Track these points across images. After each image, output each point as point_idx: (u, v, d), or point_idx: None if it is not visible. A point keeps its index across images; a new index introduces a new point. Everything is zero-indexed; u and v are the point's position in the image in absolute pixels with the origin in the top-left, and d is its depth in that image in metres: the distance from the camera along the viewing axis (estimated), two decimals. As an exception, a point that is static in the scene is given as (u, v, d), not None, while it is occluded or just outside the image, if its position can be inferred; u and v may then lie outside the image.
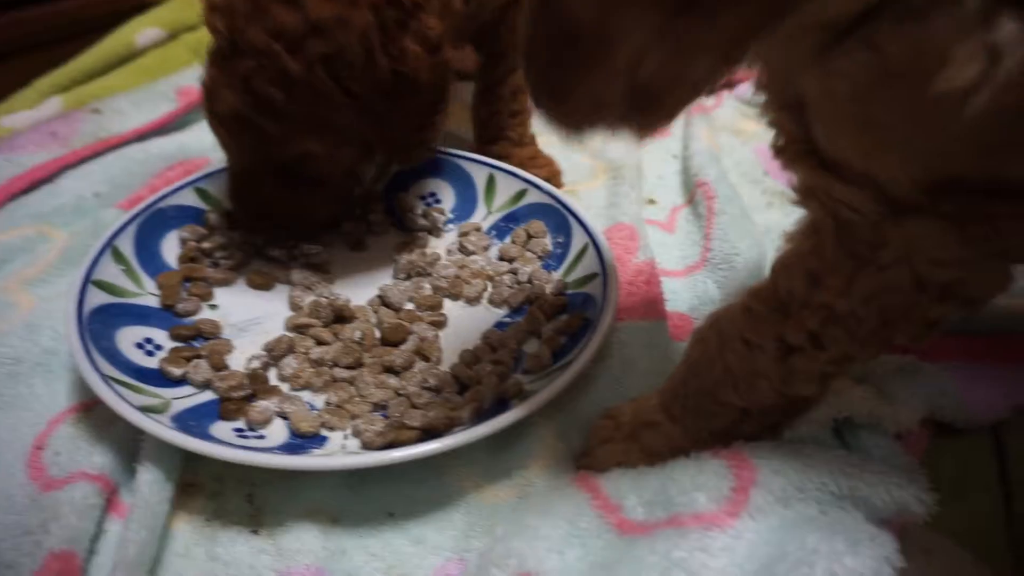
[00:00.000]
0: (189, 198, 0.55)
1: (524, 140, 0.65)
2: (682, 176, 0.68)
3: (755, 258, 0.53)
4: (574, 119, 0.28)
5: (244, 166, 0.49)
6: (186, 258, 0.52)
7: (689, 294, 0.54)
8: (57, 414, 0.42)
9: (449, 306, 0.51)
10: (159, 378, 0.43)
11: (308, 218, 0.53)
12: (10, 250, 0.54)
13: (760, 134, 0.78)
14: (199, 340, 0.47)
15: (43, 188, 0.59)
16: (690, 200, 0.63)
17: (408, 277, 0.53)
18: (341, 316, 0.49)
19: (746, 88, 0.85)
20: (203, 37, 0.82)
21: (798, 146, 0.30)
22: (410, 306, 0.51)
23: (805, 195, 0.31)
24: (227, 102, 0.44)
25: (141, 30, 0.77)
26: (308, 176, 0.49)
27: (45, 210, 0.57)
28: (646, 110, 0.26)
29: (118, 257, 0.49)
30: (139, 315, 0.47)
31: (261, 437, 0.40)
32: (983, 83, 0.21)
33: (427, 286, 0.52)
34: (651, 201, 0.65)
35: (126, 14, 0.77)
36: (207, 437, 0.38)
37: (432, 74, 0.46)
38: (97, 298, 0.45)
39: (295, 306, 0.50)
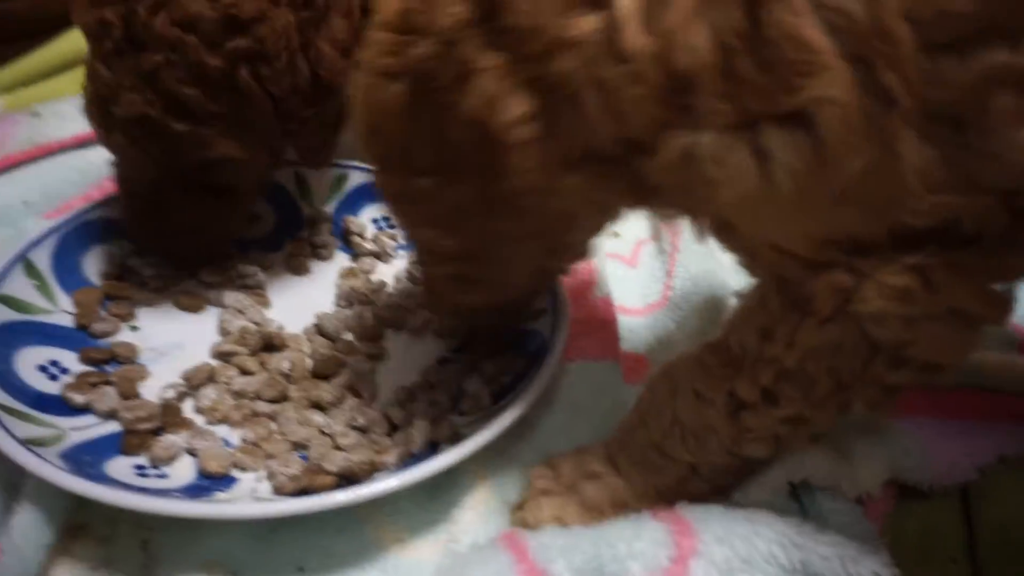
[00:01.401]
0: (120, 211, 0.51)
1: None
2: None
3: (717, 298, 0.50)
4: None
5: (146, 181, 0.44)
6: (111, 275, 0.48)
7: (648, 334, 0.51)
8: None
9: (391, 337, 0.48)
10: (59, 405, 0.39)
11: (218, 234, 0.49)
12: (-78, 258, 0.50)
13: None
14: (112, 364, 0.43)
15: (-34, 194, 0.56)
16: (656, 235, 0.61)
17: (349, 305, 0.49)
18: (271, 344, 0.45)
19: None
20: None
21: None
22: (349, 336, 0.47)
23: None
24: (131, 104, 0.39)
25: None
26: (218, 186, 0.45)
27: (-34, 217, 0.54)
28: None
29: (31, 271, 0.45)
30: (47, 335, 0.43)
31: (163, 476, 0.36)
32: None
33: (368, 315, 0.48)
34: (615, 234, 0.62)
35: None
36: (101, 476, 0.34)
37: (344, 77, 0.43)
38: (1, 315, 0.41)
39: (224, 331, 0.46)
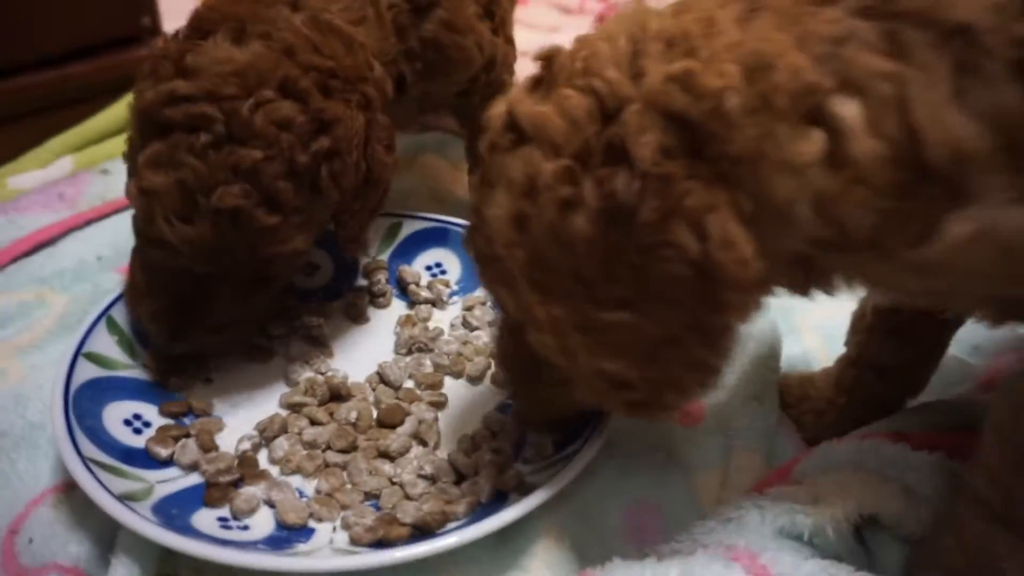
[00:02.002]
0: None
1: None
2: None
3: (768, 340, 0.51)
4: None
5: (195, 274, 0.43)
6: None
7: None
8: (37, 495, 0.40)
9: (450, 384, 0.49)
10: (145, 458, 0.41)
11: (252, 320, 0.49)
12: (7, 315, 0.53)
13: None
14: (190, 417, 0.45)
15: (45, 251, 0.58)
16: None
17: (409, 352, 0.51)
18: (337, 394, 0.47)
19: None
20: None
21: None
22: (410, 384, 0.49)
23: None
24: (227, 196, 0.39)
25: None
26: (266, 277, 0.46)
27: (45, 274, 0.56)
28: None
29: (112, 327, 0.47)
30: (130, 389, 0.45)
31: (245, 528, 0.38)
32: None
33: (428, 363, 0.50)
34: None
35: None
36: (187, 528, 0.36)
37: (389, 172, 0.47)
38: (87, 371, 0.44)
39: (291, 381, 0.48)
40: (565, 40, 0.32)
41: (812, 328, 0.58)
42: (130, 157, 0.44)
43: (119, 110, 0.75)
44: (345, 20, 0.47)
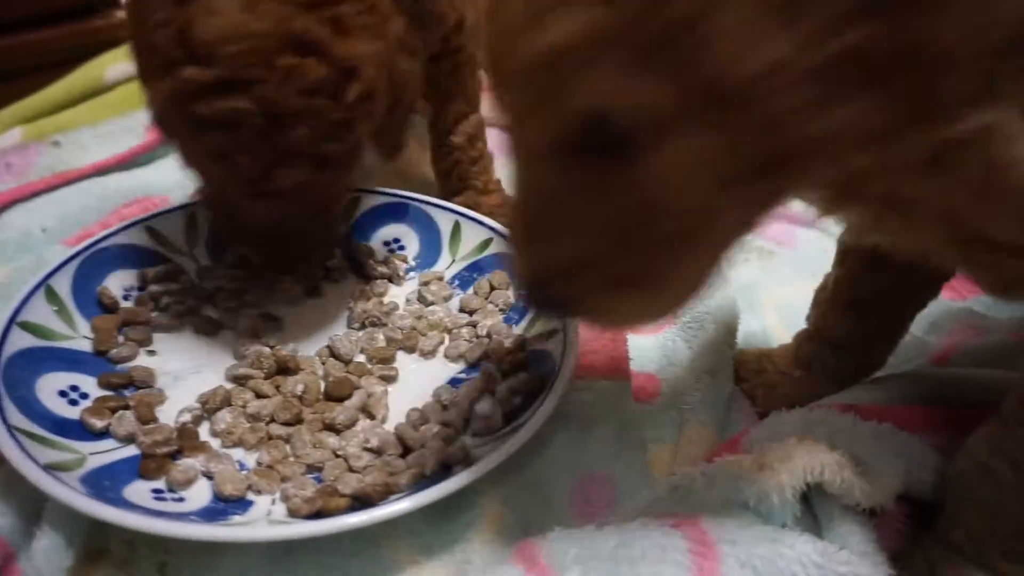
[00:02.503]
0: (139, 237, 0.52)
1: (489, 187, 0.63)
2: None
3: (726, 317, 0.51)
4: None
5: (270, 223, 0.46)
6: (136, 301, 0.49)
7: (657, 353, 0.51)
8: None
9: (403, 359, 0.48)
10: (79, 430, 0.40)
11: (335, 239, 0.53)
12: (-55, 286, 0.51)
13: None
14: (131, 389, 0.44)
15: (-12, 222, 0.57)
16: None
17: (362, 327, 0.50)
18: (285, 367, 0.46)
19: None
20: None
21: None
22: (361, 358, 0.48)
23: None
24: (286, 177, 0.40)
25: (112, 65, 0.75)
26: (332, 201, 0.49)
27: (-13, 245, 0.55)
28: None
29: (52, 297, 0.46)
30: (68, 360, 0.44)
31: (180, 500, 0.37)
32: None
33: (381, 337, 0.49)
34: (624, 253, 0.63)
35: (97, 49, 0.75)
36: (119, 500, 0.35)
37: (417, 77, 0.46)
38: (21, 341, 0.42)
39: (238, 354, 0.47)
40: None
41: (773, 306, 0.57)
42: (168, 130, 0.42)
43: (73, 81, 0.73)
44: None
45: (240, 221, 0.46)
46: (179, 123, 0.40)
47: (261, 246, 0.48)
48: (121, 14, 0.80)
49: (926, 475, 0.38)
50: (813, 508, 0.35)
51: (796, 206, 0.78)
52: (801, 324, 0.55)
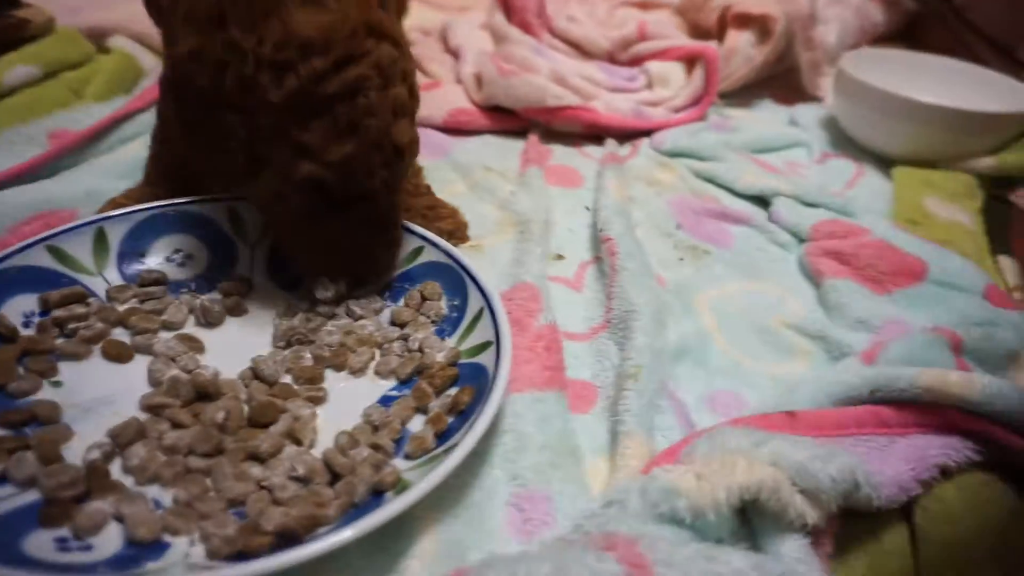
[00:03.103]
0: (40, 258, 0.49)
1: (420, 190, 0.62)
2: (591, 230, 0.65)
3: (653, 316, 0.50)
4: None
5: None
6: (38, 328, 0.46)
7: (592, 359, 0.51)
8: None
9: (331, 378, 0.46)
10: (-28, 476, 0.37)
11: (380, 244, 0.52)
12: None
13: (675, 185, 0.76)
14: (33, 426, 0.41)
15: None
16: (598, 257, 0.61)
17: (288, 345, 0.48)
18: (205, 393, 0.43)
19: (662, 138, 0.85)
20: (86, 75, 0.77)
21: None
22: (287, 379, 0.46)
23: None
24: (404, 131, 0.46)
25: (11, 68, 0.70)
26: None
27: None
28: None
29: (-60, 330, 0.42)
30: (-40, 399, 0.40)
31: (88, 548, 0.34)
32: None
33: (307, 356, 0.47)
34: (559, 256, 0.62)
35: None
36: (18, 556, 0.32)
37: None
38: (-94, 381, 0.39)
39: (154, 381, 0.44)
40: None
41: (708, 306, 0.57)
42: (267, 148, 0.45)
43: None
44: None
45: (314, 224, 0.48)
46: (305, 111, 0.43)
47: (329, 252, 0.49)
48: (19, 13, 0.75)
49: (866, 492, 0.38)
50: (751, 523, 0.35)
51: (729, 202, 0.80)
52: (740, 325, 0.56)
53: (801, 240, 0.67)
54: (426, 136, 0.80)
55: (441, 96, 0.85)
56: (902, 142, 0.84)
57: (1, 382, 0.42)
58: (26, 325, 0.46)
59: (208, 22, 0.44)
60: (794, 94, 1.11)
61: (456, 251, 0.52)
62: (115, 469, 0.39)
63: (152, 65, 0.81)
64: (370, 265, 0.51)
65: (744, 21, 1.04)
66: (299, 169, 0.44)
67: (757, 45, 1.03)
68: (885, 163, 0.86)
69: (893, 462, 0.40)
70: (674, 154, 0.83)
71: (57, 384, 0.44)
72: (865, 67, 0.89)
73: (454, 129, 0.83)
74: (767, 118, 1.00)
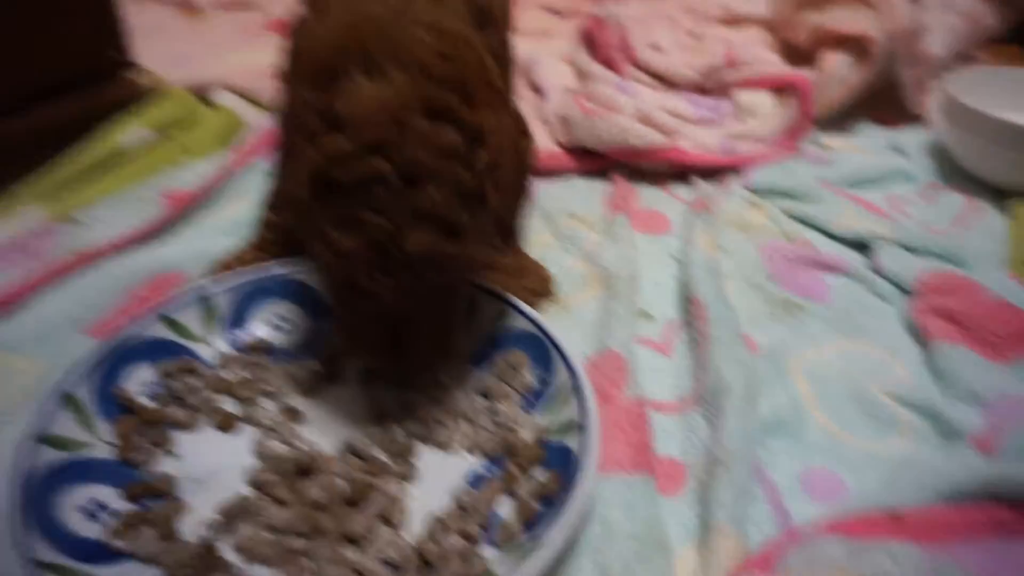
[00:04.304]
0: (155, 329, 0.52)
1: (510, 247, 0.62)
2: (679, 283, 0.64)
3: (744, 392, 0.49)
4: None
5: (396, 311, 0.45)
6: (154, 397, 0.49)
7: (681, 433, 0.50)
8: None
9: (422, 451, 0.48)
10: (100, 552, 0.40)
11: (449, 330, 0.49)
12: (-30, 386, 0.52)
13: (767, 228, 0.74)
14: (152, 498, 0.44)
15: (10, 311, 0.57)
16: (686, 318, 0.59)
17: (380, 419, 0.50)
18: (305, 469, 0.45)
19: (752, 174, 0.82)
20: (194, 132, 0.82)
21: None
22: (380, 455, 0.47)
23: None
24: (419, 241, 0.40)
25: (127, 130, 0.76)
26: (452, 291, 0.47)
27: (12, 339, 0.55)
28: None
29: (70, 403, 0.46)
30: (87, 470, 0.44)
31: (201, 629, 0.37)
32: None
33: (398, 429, 0.48)
34: (646, 315, 0.61)
35: (110, 115, 0.76)
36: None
37: (533, 157, 0.48)
38: (43, 456, 0.42)
39: (258, 454, 0.47)
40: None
41: (803, 371, 0.55)
42: (300, 215, 0.44)
43: (91, 153, 0.73)
44: (457, 25, 0.46)
45: (359, 303, 0.45)
46: (322, 192, 0.41)
47: (377, 334, 0.47)
48: (132, 76, 0.80)
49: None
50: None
51: (825, 247, 0.77)
52: (838, 393, 0.54)
53: (905, 291, 0.64)
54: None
55: (526, 138, 0.86)
56: (1019, 173, 0.79)
57: (123, 454, 0.46)
58: (144, 395, 0.50)
59: (299, 75, 0.44)
60: (897, 114, 1.05)
61: (541, 319, 0.52)
62: (225, 546, 0.42)
63: (254, 119, 0.86)
64: (399, 357, 0.47)
65: (838, 41, 0.99)
66: (315, 247, 0.43)
67: (854, 66, 0.98)
68: (1000, 196, 0.80)
69: (1011, 571, 0.37)
70: (765, 192, 0.80)
71: (171, 454, 0.47)
72: (973, 89, 0.83)
73: (538, 172, 0.83)
74: (867, 145, 0.95)
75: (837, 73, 0.98)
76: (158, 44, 1.14)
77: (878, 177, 0.84)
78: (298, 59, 0.44)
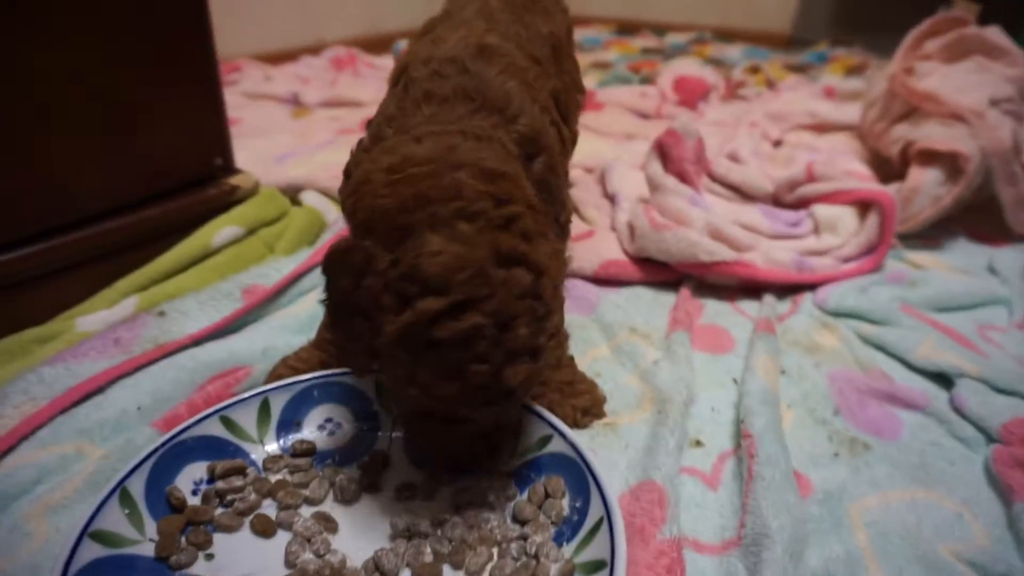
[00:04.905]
0: (214, 427, 0.55)
1: (561, 361, 0.62)
2: (736, 411, 0.62)
3: (788, 544, 0.46)
4: None
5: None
6: (202, 496, 0.52)
7: (720, 581, 0.47)
8: None
9: (447, 573, 0.47)
10: (127, 653, 0.41)
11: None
12: (46, 470, 0.55)
13: (838, 353, 0.71)
14: (184, 601, 0.45)
15: (93, 399, 0.61)
16: (736, 450, 0.57)
17: (410, 536, 0.49)
18: (330, 584, 0.46)
19: (827, 293, 0.79)
20: (279, 231, 0.88)
21: None
22: (406, 573, 0.47)
23: None
24: (519, 374, 0.44)
25: (220, 230, 0.82)
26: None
27: (88, 425, 0.59)
28: None
29: (125, 499, 0.49)
30: (129, 569, 0.46)
31: None
32: None
33: (428, 551, 0.48)
34: (697, 443, 0.59)
35: (208, 216, 0.83)
36: None
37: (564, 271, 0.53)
38: (89, 553, 0.45)
39: (289, 564, 0.48)
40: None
41: (864, 520, 0.51)
42: (389, 362, 0.46)
43: (185, 249, 0.80)
44: (499, 162, 0.50)
45: (445, 435, 0.49)
46: (417, 347, 0.43)
47: (460, 450, 0.51)
48: (231, 180, 0.87)
49: None
50: None
51: (902, 378, 0.73)
52: (901, 550, 0.49)
53: (990, 438, 0.59)
54: (576, 288, 0.81)
55: (593, 246, 0.87)
56: None
57: (164, 554, 0.47)
58: (194, 493, 0.52)
59: (361, 227, 0.47)
60: (996, 230, 1.00)
61: (583, 446, 0.51)
62: (242, 660, 0.42)
63: (334, 218, 0.91)
64: (468, 463, 0.51)
65: (930, 158, 0.96)
66: (406, 392, 0.45)
67: (946, 183, 0.95)
68: (1107, 332, 0.73)
69: None
70: (840, 314, 0.77)
71: (210, 557, 0.48)
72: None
73: (604, 280, 0.83)
74: (960, 263, 0.90)
75: (927, 189, 0.94)
76: (263, 142, 1.25)
77: (967, 301, 0.79)
78: (358, 203, 0.47)
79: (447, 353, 0.42)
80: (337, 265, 0.47)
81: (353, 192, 0.49)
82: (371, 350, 0.47)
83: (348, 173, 0.57)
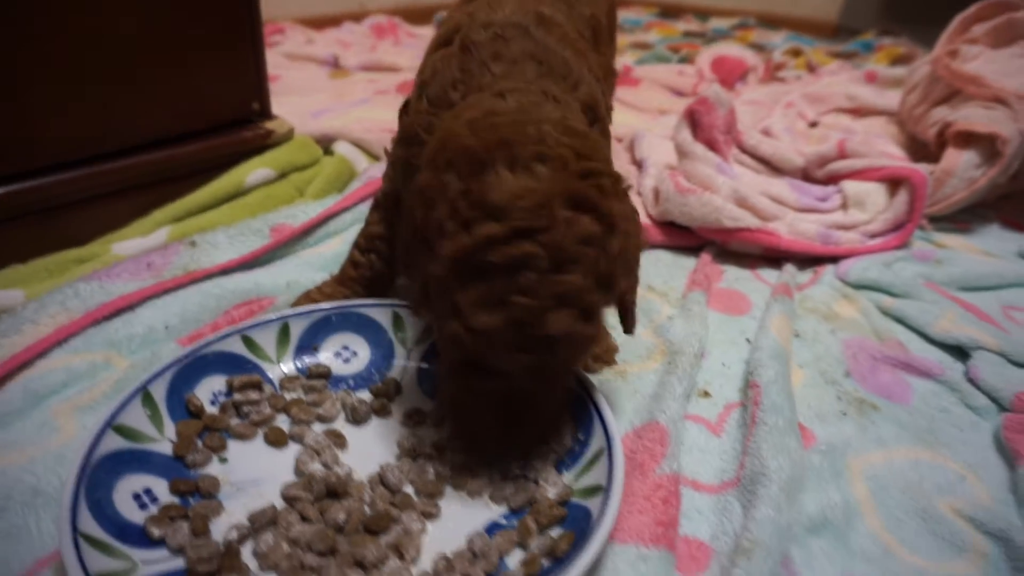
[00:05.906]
0: (235, 345, 0.57)
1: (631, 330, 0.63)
2: (746, 367, 0.62)
3: (784, 484, 0.46)
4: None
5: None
6: (219, 406, 0.54)
7: (715, 516, 0.48)
8: (46, 555, 0.44)
9: (449, 495, 0.48)
10: (139, 536, 0.43)
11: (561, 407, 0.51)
12: (77, 375, 0.58)
13: (855, 322, 0.70)
14: (195, 496, 0.47)
15: (123, 316, 0.64)
16: (743, 401, 0.57)
17: (416, 456, 0.51)
18: (334, 491, 0.47)
19: (849, 266, 0.79)
20: (310, 176, 0.90)
21: None
22: (409, 489, 0.49)
23: None
24: (560, 322, 0.42)
25: (253, 171, 0.84)
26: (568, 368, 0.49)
27: (118, 337, 0.62)
28: None
29: (147, 401, 0.51)
30: (147, 463, 0.48)
31: (207, 623, 0.39)
32: None
33: (431, 471, 0.49)
34: (705, 393, 0.60)
35: (243, 156, 0.85)
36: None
37: (645, 243, 0.52)
38: (112, 443, 0.47)
39: (298, 472, 0.50)
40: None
41: (864, 474, 0.52)
42: (437, 294, 0.45)
43: (218, 185, 0.82)
44: (581, 124, 0.50)
45: (479, 382, 0.47)
46: (467, 273, 0.42)
47: (494, 412, 0.48)
48: (267, 124, 0.89)
49: None
50: None
51: (918, 349, 0.72)
52: (901, 503, 0.49)
53: (1002, 407, 0.58)
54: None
55: (617, 208, 0.87)
56: None
57: (181, 453, 0.50)
58: (212, 403, 0.54)
59: (440, 163, 0.46)
60: (1031, 221, 0.98)
61: (592, 384, 0.52)
62: (246, 549, 0.44)
63: (364, 167, 0.93)
64: (504, 440, 0.48)
65: (967, 140, 0.94)
66: (447, 325, 0.44)
67: (982, 166, 0.93)
68: None
69: None
70: (861, 286, 0.76)
71: (223, 460, 0.51)
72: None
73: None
74: (992, 248, 0.89)
75: (961, 172, 0.93)
76: (301, 99, 1.27)
77: (992, 282, 0.78)
78: (441, 148, 0.46)
79: (494, 279, 0.41)
80: (414, 196, 0.48)
81: (439, 148, 0.47)
82: (424, 288, 0.46)
83: (411, 136, 0.56)
